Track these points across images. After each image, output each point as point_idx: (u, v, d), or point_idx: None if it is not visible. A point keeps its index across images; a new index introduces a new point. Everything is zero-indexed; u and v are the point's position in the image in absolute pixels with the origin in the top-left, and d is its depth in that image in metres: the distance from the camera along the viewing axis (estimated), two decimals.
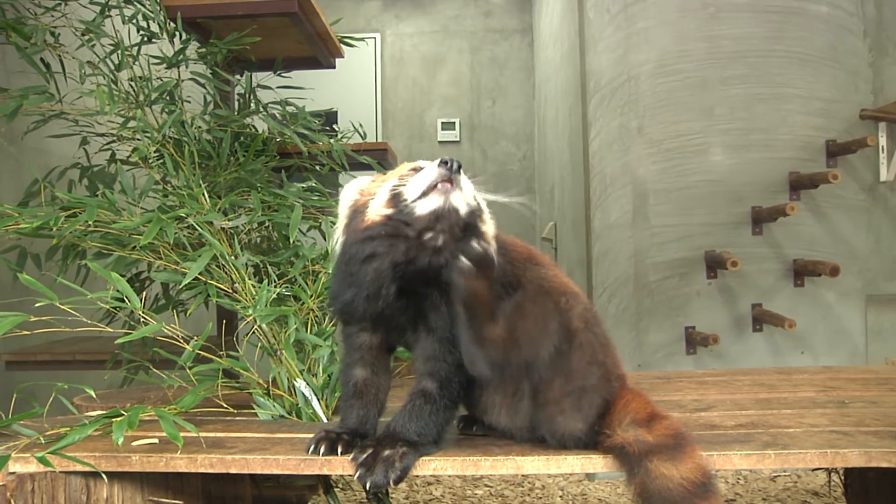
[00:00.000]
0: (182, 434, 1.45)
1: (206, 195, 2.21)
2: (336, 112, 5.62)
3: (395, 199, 1.29)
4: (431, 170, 1.26)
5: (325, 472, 1.43)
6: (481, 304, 1.28)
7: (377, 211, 1.31)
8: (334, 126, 3.98)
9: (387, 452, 1.34)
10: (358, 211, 1.36)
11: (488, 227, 1.35)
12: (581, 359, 1.40)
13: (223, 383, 1.81)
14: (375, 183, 1.41)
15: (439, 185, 1.25)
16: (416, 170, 1.32)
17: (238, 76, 3.14)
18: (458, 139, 6.64)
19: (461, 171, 1.26)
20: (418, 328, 1.39)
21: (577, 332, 1.41)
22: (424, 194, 1.25)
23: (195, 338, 1.80)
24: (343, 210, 1.43)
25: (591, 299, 3.63)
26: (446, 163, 1.24)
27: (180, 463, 1.44)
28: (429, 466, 1.40)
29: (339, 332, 1.55)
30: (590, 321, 1.45)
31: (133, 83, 2.51)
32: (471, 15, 6.85)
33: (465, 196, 1.27)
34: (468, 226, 1.29)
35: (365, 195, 1.38)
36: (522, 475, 3.38)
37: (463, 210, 1.27)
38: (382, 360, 1.52)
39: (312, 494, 2.39)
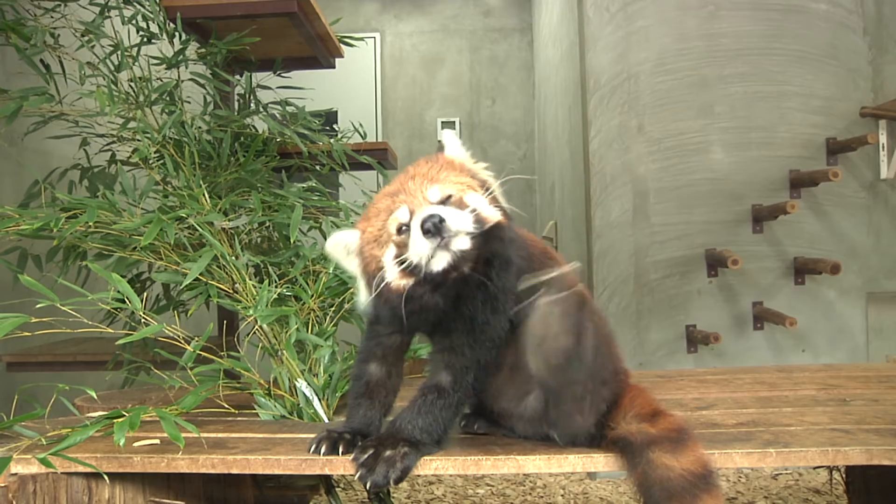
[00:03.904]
0: (183, 435, 1.45)
1: (207, 196, 2.21)
2: (336, 112, 5.62)
3: (409, 269, 1.30)
4: (420, 242, 1.26)
5: (327, 472, 1.44)
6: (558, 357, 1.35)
7: (399, 283, 1.32)
8: (334, 126, 3.99)
9: (388, 453, 1.35)
10: (374, 277, 1.36)
11: (495, 217, 1.33)
12: (596, 354, 1.44)
13: (224, 384, 1.81)
14: (365, 237, 1.39)
15: (437, 245, 1.26)
16: (400, 229, 1.32)
17: (238, 76, 3.14)
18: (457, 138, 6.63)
19: (444, 223, 1.24)
20: (447, 325, 1.40)
21: (592, 327, 1.45)
22: (431, 258, 1.27)
23: (196, 338, 1.80)
24: (351, 270, 1.45)
25: (592, 298, 3.62)
26: (429, 231, 1.24)
27: (182, 464, 1.44)
28: (430, 466, 1.40)
29: (366, 329, 1.56)
30: (601, 318, 1.53)
31: (133, 84, 2.52)
32: (470, 14, 6.85)
33: (463, 227, 1.27)
34: (482, 243, 1.30)
35: (368, 262, 1.38)
36: (524, 474, 3.39)
37: (468, 246, 1.28)
38: (400, 360, 1.54)
39: (314, 495, 2.39)
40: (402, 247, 1.31)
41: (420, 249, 1.26)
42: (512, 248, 1.37)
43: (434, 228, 1.24)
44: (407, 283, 1.31)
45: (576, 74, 4.05)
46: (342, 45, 3.38)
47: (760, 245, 3.71)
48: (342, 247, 1.43)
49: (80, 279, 2.15)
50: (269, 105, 2.96)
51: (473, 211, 1.30)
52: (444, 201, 1.32)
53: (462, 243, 1.27)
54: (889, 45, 3.76)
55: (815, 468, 3.38)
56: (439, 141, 1.51)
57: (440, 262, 1.27)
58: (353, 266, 1.43)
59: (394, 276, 1.32)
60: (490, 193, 1.37)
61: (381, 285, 1.34)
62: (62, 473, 1.44)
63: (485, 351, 1.39)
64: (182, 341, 1.80)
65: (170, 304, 2.45)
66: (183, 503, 1.57)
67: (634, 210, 3.73)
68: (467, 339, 1.38)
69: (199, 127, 2.57)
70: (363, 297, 1.42)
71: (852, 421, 1.63)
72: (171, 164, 2.33)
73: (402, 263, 1.30)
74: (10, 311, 1.55)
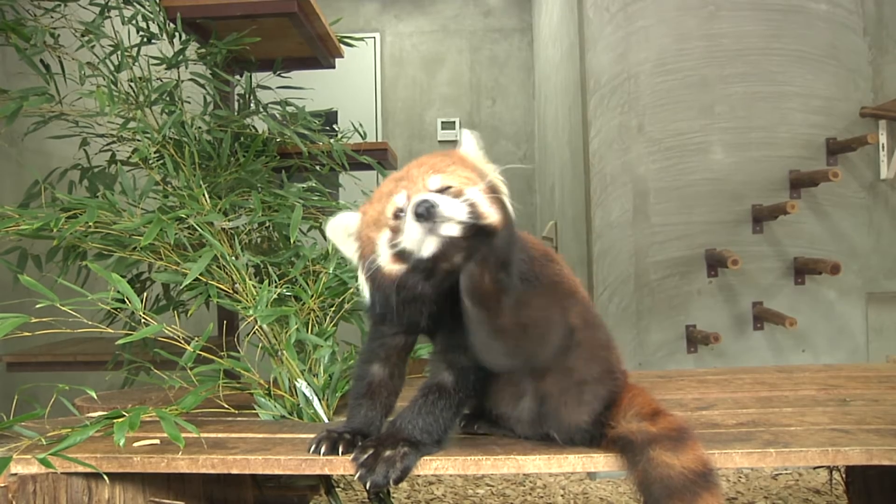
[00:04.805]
0: (183, 435, 1.45)
1: (207, 196, 2.21)
2: (336, 112, 5.62)
3: (401, 255, 1.31)
4: (413, 227, 1.26)
5: (327, 472, 1.44)
6: (492, 298, 1.30)
7: (391, 268, 1.33)
8: (334, 126, 3.99)
9: (388, 453, 1.34)
10: (370, 262, 1.37)
11: (492, 216, 1.33)
12: (591, 353, 1.45)
13: (224, 384, 1.81)
14: (365, 219, 1.41)
15: (428, 230, 1.26)
16: (397, 214, 1.33)
17: (238, 76, 3.14)
18: (457, 138, 6.61)
19: (435, 208, 1.25)
20: (450, 324, 1.39)
21: (587, 327, 1.46)
22: (421, 242, 1.27)
23: (196, 338, 1.80)
24: (348, 255, 1.47)
25: (592, 298, 3.63)
26: (421, 215, 1.25)
27: (182, 464, 1.44)
28: (430, 466, 1.40)
29: (369, 330, 1.56)
30: (597, 317, 1.53)
31: (133, 84, 2.52)
32: (470, 14, 6.85)
33: (456, 216, 1.27)
34: (473, 234, 1.29)
35: (365, 245, 1.40)
36: (524, 474, 3.39)
37: (457, 232, 1.27)
38: (403, 361, 1.54)
39: (314, 495, 2.39)
40: (396, 231, 1.32)
41: (412, 234, 1.27)
42: (512, 251, 1.37)
43: (426, 213, 1.24)
44: (399, 269, 1.32)
45: (576, 74, 4.05)
46: (342, 46, 3.38)
47: (760, 245, 3.71)
48: (342, 229, 1.45)
49: (79, 279, 2.15)
50: (269, 105, 2.96)
51: (469, 202, 1.30)
52: (443, 190, 1.32)
53: (451, 230, 1.26)
54: (889, 46, 3.76)
55: (815, 468, 3.38)
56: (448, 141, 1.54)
57: (428, 248, 1.27)
58: (350, 250, 1.45)
59: (386, 261, 1.34)
60: (496, 195, 1.37)
61: (374, 269, 1.35)
62: (62, 473, 1.44)
63: None
64: (182, 341, 1.80)
65: (170, 304, 2.45)
66: (183, 503, 1.57)
67: (634, 210, 3.73)
68: (470, 339, 1.38)
69: (199, 127, 2.57)
70: (362, 284, 1.43)
71: (852, 421, 1.63)
72: (171, 165, 2.33)
73: (395, 247, 1.31)
74: (10, 311, 1.55)
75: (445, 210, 1.26)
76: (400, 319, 1.42)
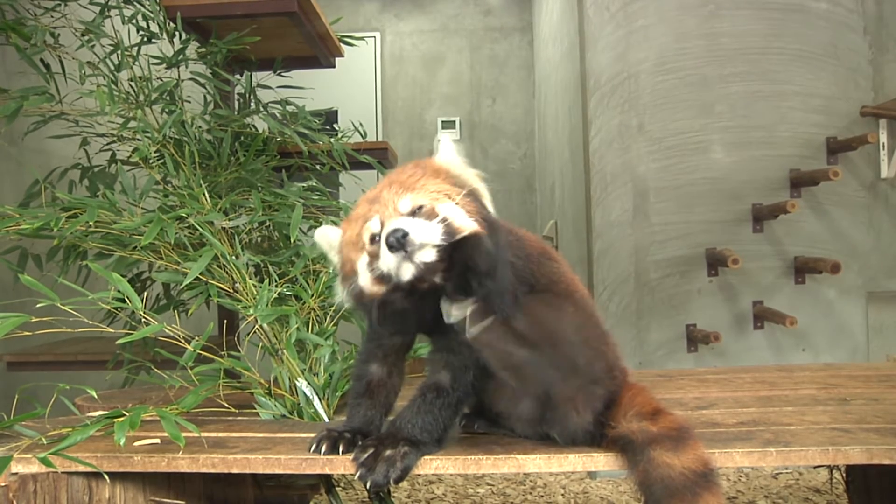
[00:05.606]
0: (184, 434, 1.45)
1: (207, 195, 2.21)
2: (336, 111, 5.62)
3: (381, 278, 1.31)
4: (387, 256, 1.27)
5: (327, 471, 1.44)
6: (515, 359, 1.35)
7: (373, 289, 1.34)
8: (334, 125, 3.99)
9: (388, 452, 1.35)
10: (349, 279, 1.39)
11: (469, 228, 1.31)
12: (590, 356, 1.44)
13: (225, 383, 1.81)
14: (345, 238, 1.41)
15: (403, 258, 1.26)
16: (373, 239, 1.33)
17: (238, 76, 3.14)
18: (458, 138, 6.64)
19: (407, 237, 1.25)
20: (444, 325, 1.40)
21: (584, 327, 1.46)
22: (398, 268, 1.27)
23: (196, 338, 1.80)
24: (334, 262, 1.49)
25: (592, 297, 3.62)
26: (392, 246, 1.25)
27: (182, 463, 1.44)
28: (430, 465, 1.40)
29: (367, 330, 1.57)
30: (595, 317, 1.52)
31: (133, 83, 2.52)
32: (470, 13, 6.85)
33: (430, 240, 1.26)
34: (450, 254, 1.29)
35: (346, 264, 1.41)
36: (524, 474, 3.39)
37: (431, 258, 1.27)
38: (402, 360, 1.55)
39: (314, 494, 2.39)
40: (373, 256, 1.32)
41: (387, 261, 1.27)
42: (498, 256, 1.35)
43: (397, 243, 1.24)
44: (379, 289, 1.33)
45: (576, 74, 4.05)
46: (342, 45, 3.38)
47: (761, 244, 3.71)
48: (326, 242, 1.48)
49: (80, 279, 2.15)
50: (270, 104, 2.95)
51: (443, 221, 1.28)
52: (415, 212, 1.31)
53: (426, 255, 1.26)
54: (889, 45, 3.76)
55: (815, 467, 3.38)
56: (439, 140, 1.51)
57: (406, 273, 1.27)
58: (335, 260, 1.47)
59: (367, 283, 1.34)
60: (475, 202, 1.36)
61: (356, 290, 1.37)
62: (63, 473, 1.44)
63: None
64: (182, 341, 1.80)
65: (170, 303, 2.45)
66: (183, 503, 1.57)
67: (634, 209, 3.73)
68: (465, 338, 1.38)
69: (200, 126, 2.57)
70: (339, 293, 1.45)
71: (853, 420, 1.63)
72: (172, 164, 2.33)
73: (374, 271, 1.32)
74: (11, 311, 1.55)
75: (418, 237, 1.25)
76: (387, 332, 1.45)
